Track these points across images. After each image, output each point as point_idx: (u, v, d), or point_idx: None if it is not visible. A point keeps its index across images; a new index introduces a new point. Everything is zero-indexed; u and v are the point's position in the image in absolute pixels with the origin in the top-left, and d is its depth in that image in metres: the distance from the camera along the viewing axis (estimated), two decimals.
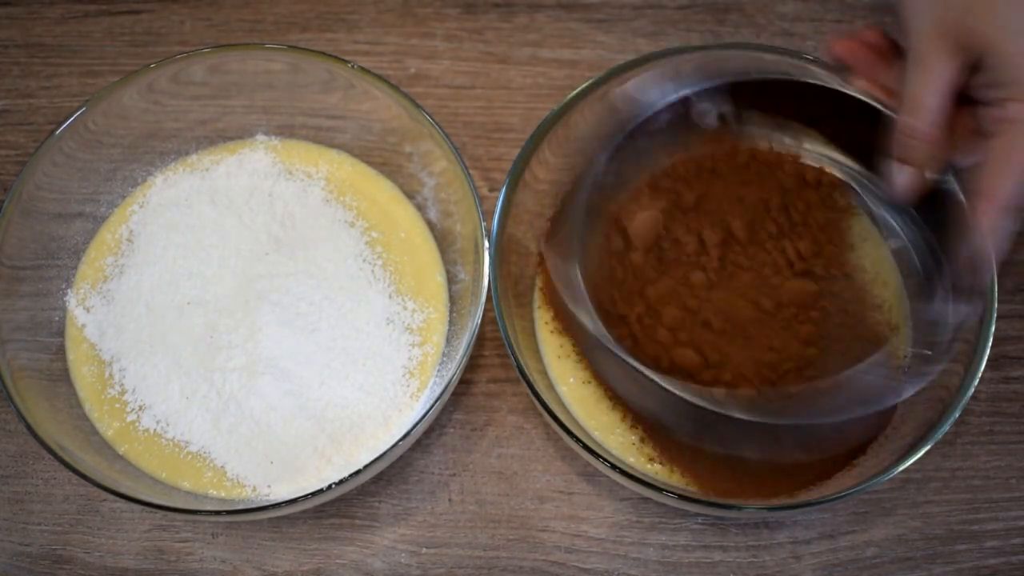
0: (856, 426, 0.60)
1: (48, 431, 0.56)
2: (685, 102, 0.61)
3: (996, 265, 0.56)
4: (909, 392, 0.56)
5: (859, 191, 0.62)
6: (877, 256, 0.63)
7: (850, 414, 0.57)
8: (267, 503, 0.56)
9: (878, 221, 0.63)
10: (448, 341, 0.63)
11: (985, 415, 0.64)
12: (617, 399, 0.61)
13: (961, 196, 0.55)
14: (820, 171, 0.63)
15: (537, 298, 0.65)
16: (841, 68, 0.58)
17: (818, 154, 0.64)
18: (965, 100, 0.54)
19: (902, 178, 0.56)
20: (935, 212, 0.57)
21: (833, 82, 0.59)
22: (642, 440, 0.60)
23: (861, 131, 0.58)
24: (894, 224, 0.61)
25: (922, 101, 0.53)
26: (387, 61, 0.75)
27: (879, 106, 0.56)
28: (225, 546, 0.61)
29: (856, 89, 0.57)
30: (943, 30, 0.52)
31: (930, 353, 0.57)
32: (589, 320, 0.57)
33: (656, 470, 0.59)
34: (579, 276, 0.58)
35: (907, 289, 0.62)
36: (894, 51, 0.57)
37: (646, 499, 0.62)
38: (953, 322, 0.57)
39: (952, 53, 0.52)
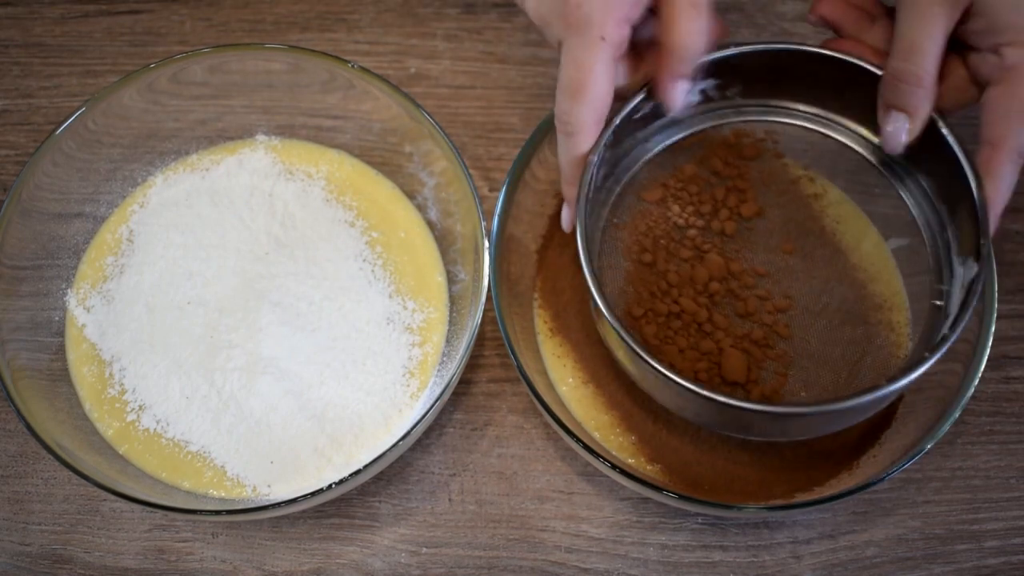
0: (856, 425, 0.59)
1: (48, 431, 0.56)
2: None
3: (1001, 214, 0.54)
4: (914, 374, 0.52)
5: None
6: (877, 256, 0.62)
7: (851, 419, 0.56)
8: (267, 503, 0.56)
9: (878, 218, 0.62)
10: (448, 341, 0.63)
11: (985, 415, 0.64)
12: (616, 399, 0.61)
13: (956, 144, 0.53)
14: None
15: (537, 298, 0.65)
16: (825, 30, 0.57)
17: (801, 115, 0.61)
18: (952, 47, 0.52)
19: (894, 127, 0.54)
20: (931, 164, 0.55)
21: (816, 47, 0.56)
22: (641, 440, 0.60)
23: (854, 95, 0.56)
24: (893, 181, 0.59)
25: (919, 46, 0.51)
26: (387, 61, 0.75)
27: (869, 67, 0.55)
28: (225, 546, 0.61)
29: (843, 52, 0.55)
30: None
31: (939, 303, 0.55)
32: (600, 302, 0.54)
33: (656, 470, 0.59)
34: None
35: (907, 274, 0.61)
36: (878, 9, 0.56)
37: (646, 499, 0.62)
38: (959, 285, 0.54)
39: None
